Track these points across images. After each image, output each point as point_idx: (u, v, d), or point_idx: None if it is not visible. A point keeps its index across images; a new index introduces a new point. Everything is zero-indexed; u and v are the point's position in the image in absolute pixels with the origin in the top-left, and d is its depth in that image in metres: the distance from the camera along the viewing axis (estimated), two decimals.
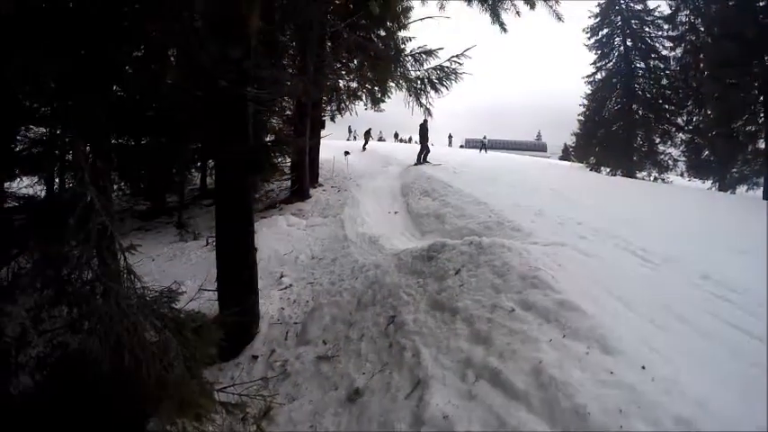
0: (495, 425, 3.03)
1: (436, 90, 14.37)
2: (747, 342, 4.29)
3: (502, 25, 10.69)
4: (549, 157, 48.42)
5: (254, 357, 5.68)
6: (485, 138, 36.79)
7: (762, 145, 23.14)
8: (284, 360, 5.38)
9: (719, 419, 2.75)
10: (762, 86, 22.82)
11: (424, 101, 14.89)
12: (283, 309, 6.70)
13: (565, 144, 41.16)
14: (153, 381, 3.22)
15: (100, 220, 3.26)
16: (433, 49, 14.28)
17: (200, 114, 7.34)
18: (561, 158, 45.51)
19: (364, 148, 23.55)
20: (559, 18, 9.98)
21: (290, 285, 7.48)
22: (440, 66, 14.20)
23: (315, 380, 4.81)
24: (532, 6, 9.97)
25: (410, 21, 15.20)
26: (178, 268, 8.91)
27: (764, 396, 3.21)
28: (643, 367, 3.20)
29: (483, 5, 10.53)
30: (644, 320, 4.24)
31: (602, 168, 29.87)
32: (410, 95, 14.70)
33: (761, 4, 22.52)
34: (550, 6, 9.77)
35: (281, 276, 7.86)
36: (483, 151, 33.06)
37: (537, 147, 64.64)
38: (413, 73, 14.45)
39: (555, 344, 3.51)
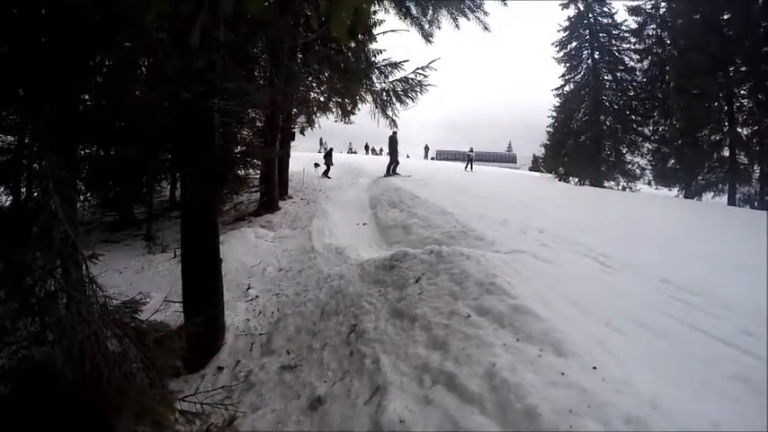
0: (450, 428, 3.10)
1: (401, 102, 14.67)
2: (706, 343, 4.39)
3: (427, 37, 11.24)
4: (519, 168, 48.81)
5: (220, 369, 5.68)
6: (471, 151, 31.22)
7: (726, 153, 23.89)
8: (249, 370, 5.40)
9: (672, 419, 2.83)
10: (726, 97, 23.68)
11: (389, 113, 15.19)
12: (249, 320, 6.70)
13: (534, 155, 41.38)
14: (114, 389, 3.22)
15: (63, 228, 3.27)
16: (399, 61, 14.59)
17: (169, 125, 7.33)
18: (531, 169, 45.78)
19: (327, 174, 19.56)
20: (486, 28, 10.48)
21: (257, 297, 7.50)
22: (405, 78, 14.50)
23: (278, 389, 4.83)
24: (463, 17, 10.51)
25: (376, 33, 15.42)
26: (145, 281, 8.83)
27: (718, 393, 3.33)
28: (594, 368, 3.30)
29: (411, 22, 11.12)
30: (599, 324, 4.34)
31: (571, 178, 30.35)
32: (376, 107, 14.95)
33: (726, 17, 23.28)
34: (477, 17, 10.27)
35: (248, 288, 7.88)
36: (469, 167, 28.67)
37: (507, 158, 65.24)
38: (378, 85, 14.72)
39: (509, 347, 3.61)
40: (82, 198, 9.89)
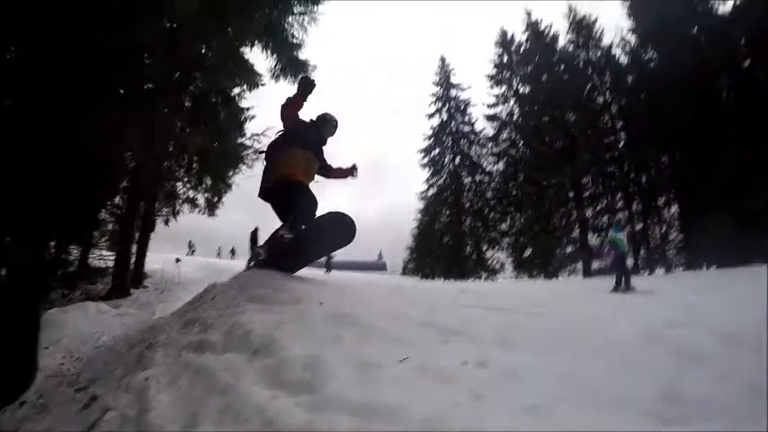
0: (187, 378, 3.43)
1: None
2: None
3: None
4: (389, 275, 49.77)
5: (22, 403, 5.79)
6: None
7: (577, 234, 27.63)
8: (48, 399, 5.60)
9: None
10: (573, 186, 26.92)
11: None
12: (63, 364, 6.75)
13: (403, 260, 42.02)
14: None
15: None
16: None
17: None
18: (402, 274, 46.52)
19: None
20: None
21: (78, 347, 7.52)
22: (241, 143, 15.56)
23: (66, 403, 4.98)
24: None
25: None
26: None
27: None
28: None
29: None
30: None
31: (436, 278, 31.87)
32: None
33: (572, 118, 27.76)
34: None
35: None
36: None
37: (377, 266, 66.07)
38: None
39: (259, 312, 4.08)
40: None
